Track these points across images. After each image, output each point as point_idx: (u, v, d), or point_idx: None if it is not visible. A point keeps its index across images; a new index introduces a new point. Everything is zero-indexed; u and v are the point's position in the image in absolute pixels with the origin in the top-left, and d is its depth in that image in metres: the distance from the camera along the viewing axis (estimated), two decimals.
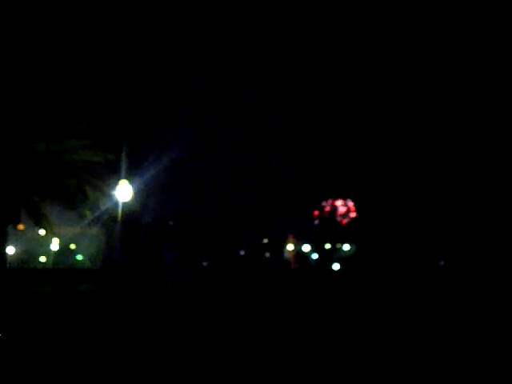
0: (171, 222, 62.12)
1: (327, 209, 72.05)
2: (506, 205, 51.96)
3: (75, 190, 22.67)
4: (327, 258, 68.67)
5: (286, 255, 70.03)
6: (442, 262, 57.18)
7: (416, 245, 57.53)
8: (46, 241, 49.51)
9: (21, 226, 26.64)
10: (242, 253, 65.85)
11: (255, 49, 54.84)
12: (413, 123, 58.05)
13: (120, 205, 25.63)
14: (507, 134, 52.12)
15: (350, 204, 71.24)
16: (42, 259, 55.89)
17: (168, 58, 48.84)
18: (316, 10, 57.38)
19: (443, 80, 55.17)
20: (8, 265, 24.31)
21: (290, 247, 70.32)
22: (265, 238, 68.33)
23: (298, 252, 69.95)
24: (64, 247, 54.20)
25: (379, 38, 57.41)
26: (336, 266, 66.81)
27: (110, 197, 26.01)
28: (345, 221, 71.08)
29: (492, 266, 48.55)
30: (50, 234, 30.25)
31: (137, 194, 30.17)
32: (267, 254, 68.88)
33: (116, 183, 25.76)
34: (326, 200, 71.86)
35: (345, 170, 63.44)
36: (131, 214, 36.52)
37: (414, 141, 58.15)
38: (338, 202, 71.62)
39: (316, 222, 72.23)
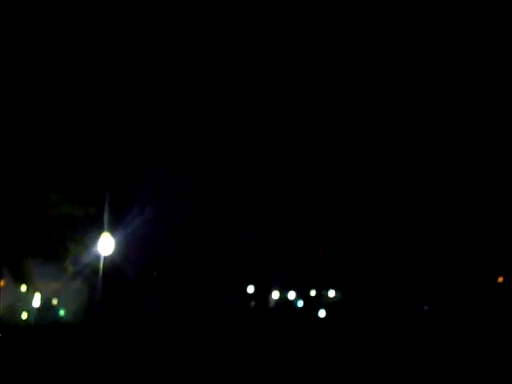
0: (155, 274, 61.50)
1: (312, 255, 71.98)
2: (486, 248, 52.38)
3: (57, 245, 22.59)
4: (313, 305, 68.33)
5: (272, 304, 69.54)
6: (427, 307, 57.20)
7: (400, 290, 57.57)
8: (28, 296, 48.80)
9: (1, 283, 26.35)
10: (228, 300, 65.24)
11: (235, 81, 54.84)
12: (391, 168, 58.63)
13: (102, 258, 25.53)
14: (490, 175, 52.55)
15: (334, 250, 71.30)
16: (24, 316, 54.90)
17: (152, 108, 49.15)
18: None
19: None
20: None
21: (276, 295, 69.89)
22: (249, 285, 67.79)
23: (284, 300, 69.53)
24: (46, 302, 53.37)
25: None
26: (322, 313, 66.44)
27: (93, 250, 25.92)
28: (329, 267, 71.00)
29: (475, 308, 48.63)
30: (32, 289, 29.92)
31: (119, 246, 30.04)
32: (253, 303, 68.34)
33: (98, 236, 25.69)
34: (310, 247, 71.86)
35: (327, 217, 63.70)
36: (114, 267, 36.30)
37: (394, 186, 58.64)
38: (322, 249, 71.66)
39: (301, 268, 72.04)
